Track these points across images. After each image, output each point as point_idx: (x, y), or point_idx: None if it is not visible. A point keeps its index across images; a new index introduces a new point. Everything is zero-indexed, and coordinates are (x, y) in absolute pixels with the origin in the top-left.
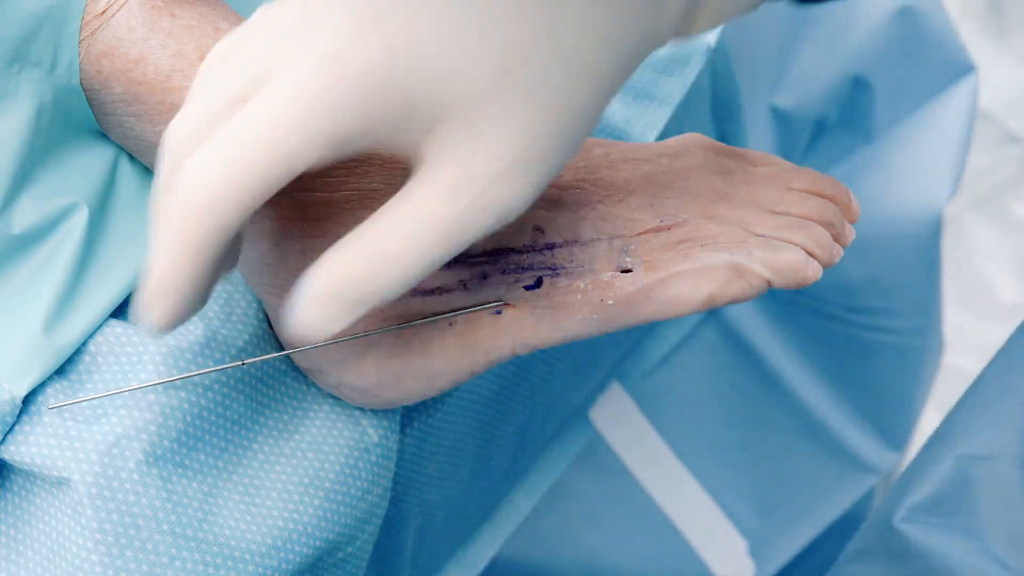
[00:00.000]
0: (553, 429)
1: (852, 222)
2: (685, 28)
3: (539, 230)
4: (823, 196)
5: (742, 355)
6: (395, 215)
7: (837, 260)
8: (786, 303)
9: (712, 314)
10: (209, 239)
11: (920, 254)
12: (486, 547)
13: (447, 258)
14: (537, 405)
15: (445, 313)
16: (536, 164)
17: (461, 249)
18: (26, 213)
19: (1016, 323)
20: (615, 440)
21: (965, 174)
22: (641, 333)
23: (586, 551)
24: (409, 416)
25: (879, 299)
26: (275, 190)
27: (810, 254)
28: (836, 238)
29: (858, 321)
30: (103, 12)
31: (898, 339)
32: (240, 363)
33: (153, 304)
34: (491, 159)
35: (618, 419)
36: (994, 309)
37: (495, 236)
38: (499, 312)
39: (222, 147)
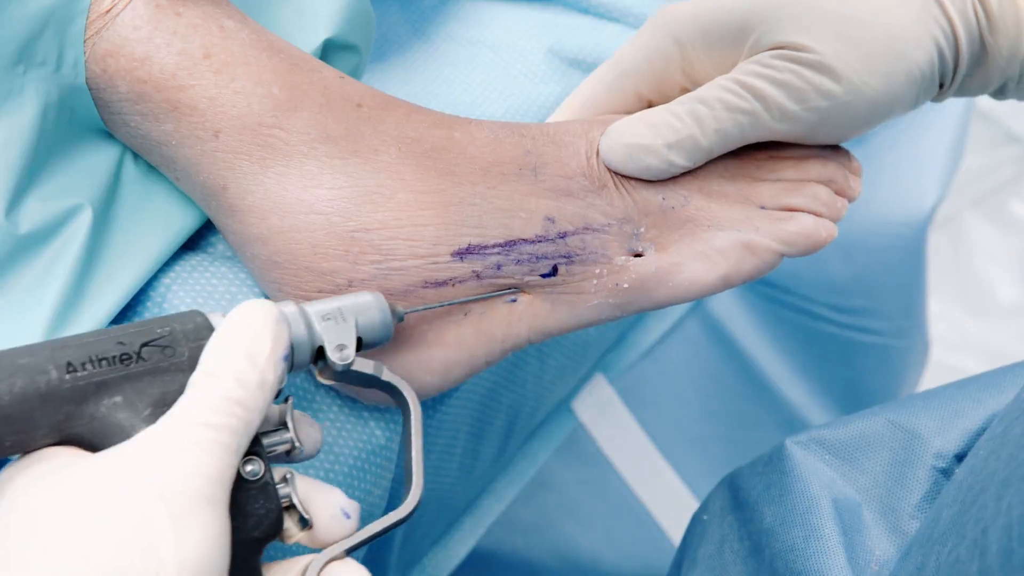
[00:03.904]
0: (538, 421)
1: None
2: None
3: (550, 219)
4: (821, 159)
5: (725, 350)
6: None
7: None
8: (770, 300)
9: (696, 308)
10: None
11: (906, 256)
12: (467, 536)
13: None
14: (526, 399)
15: (459, 300)
16: None
17: None
18: (32, 213)
19: (1016, 322)
20: (597, 431)
21: (965, 174)
22: (626, 325)
23: (564, 541)
24: None
25: (863, 299)
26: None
27: (816, 215)
28: (840, 192)
29: (841, 320)
30: (108, 11)
31: (881, 339)
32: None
33: None
34: None
35: (601, 410)
36: (993, 309)
37: (506, 227)
38: (514, 300)
39: None
